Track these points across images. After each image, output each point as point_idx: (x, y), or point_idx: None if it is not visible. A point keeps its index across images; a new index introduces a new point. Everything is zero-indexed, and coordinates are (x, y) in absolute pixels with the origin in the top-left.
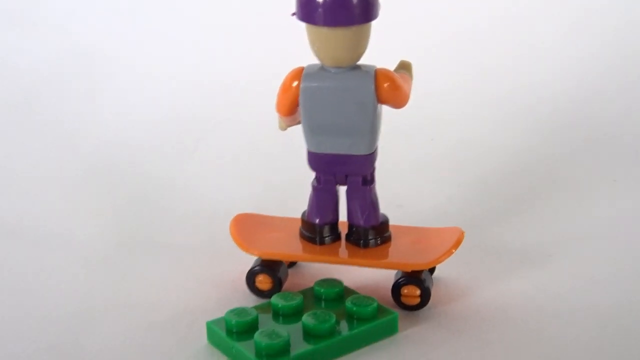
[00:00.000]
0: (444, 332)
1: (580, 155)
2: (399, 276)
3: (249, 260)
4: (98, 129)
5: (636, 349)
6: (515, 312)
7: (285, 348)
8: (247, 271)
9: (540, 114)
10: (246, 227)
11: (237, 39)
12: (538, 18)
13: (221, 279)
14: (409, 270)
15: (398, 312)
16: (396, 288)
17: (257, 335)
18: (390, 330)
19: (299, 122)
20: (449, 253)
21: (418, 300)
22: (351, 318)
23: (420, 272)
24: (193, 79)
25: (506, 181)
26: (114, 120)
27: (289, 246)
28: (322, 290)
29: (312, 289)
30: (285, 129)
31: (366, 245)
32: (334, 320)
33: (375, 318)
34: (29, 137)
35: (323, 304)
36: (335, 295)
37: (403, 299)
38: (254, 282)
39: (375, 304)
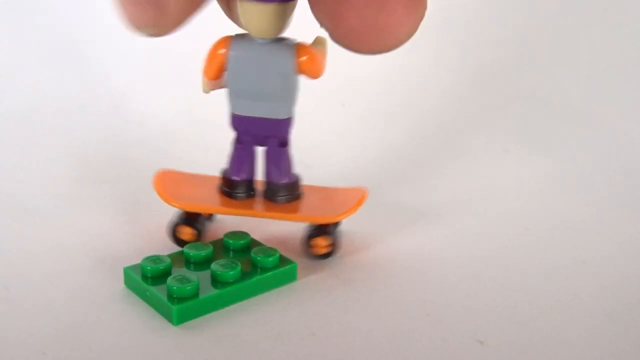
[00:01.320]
0: (339, 280)
1: (477, 125)
2: (311, 229)
3: (168, 213)
4: None
5: (502, 288)
6: (406, 262)
7: (194, 292)
8: (168, 223)
9: (443, 84)
10: (169, 182)
11: None
12: None
13: (140, 230)
14: (318, 222)
15: (299, 261)
16: (308, 239)
17: (169, 280)
18: (290, 277)
19: (222, 87)
20: (353, 209)
21: (328, 249)
22: (255, 267)
23: (328, 225)
24: None
25: (408, 147)
26: None
27: (208, 200)
28: (230, 241)
29: (221, 240)
30: (208, 92)
31: (279, 200)
32: (239, 268)
33: (277, 267)
34: None
35: (231, 254)
36: (242, 246)
37: (314, 250)
38: (175, 232)
39: (277, 254)
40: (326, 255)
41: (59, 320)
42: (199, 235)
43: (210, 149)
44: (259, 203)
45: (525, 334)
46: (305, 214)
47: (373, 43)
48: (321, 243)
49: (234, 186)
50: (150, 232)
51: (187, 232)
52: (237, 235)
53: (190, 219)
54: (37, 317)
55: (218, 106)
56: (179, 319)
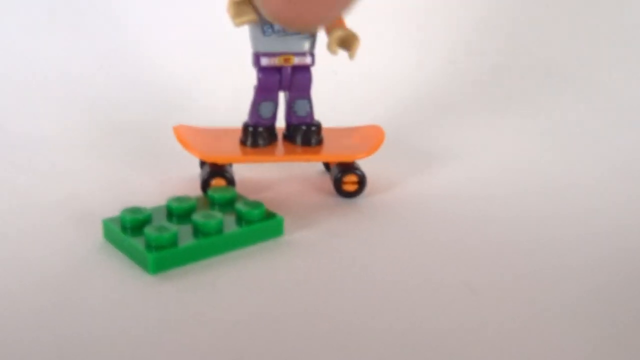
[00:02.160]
0: (327, 235)
1: (494, 74)
2: (339, 169)
3: (150, 170)
4: None
5: (516, 225)
6: (401, 209)
7: (173, 241)
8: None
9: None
10: (187, 135)
11: None
12: None
13: (125, 183)
14: (348, 160)
15: (288, 218)
16: (339, 178)
17: (147, 228)
18: (276, 232)
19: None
20: (376, 146)
21: (357, 186)
22: (240, 219)
23: (353, 163)
24: None
25: (423, 95)
26: None
27: (231, 150)
28: (215, 195)
29: (206, 194)
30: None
31: (308, 143)
32: (220, 218)
33: (262, 220)
34: None
35: (216, 207)
36: (227, 200)
37: (347, 187)
38: (208, 185)
39: (262, 207)
40: (357, 192)
41: (35, 274)
42: (231, 184)
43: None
44: (281, 147)
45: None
46: (333, 153)
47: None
48: (352, 179)
49: (258, 133)
50: (135, 186)
51: (220, 183)
52: (222, 189)
53: (220, 170)
54: (11, 273)
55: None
56: (156, 268)
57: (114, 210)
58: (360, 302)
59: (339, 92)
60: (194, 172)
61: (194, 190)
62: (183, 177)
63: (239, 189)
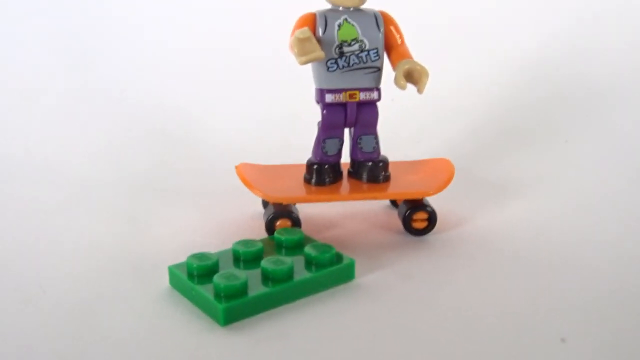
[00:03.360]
0: (399, 278)
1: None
2: (407, 206)
3: (211, 210)
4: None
5: (593, 259)
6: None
7: (243, 289)
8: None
9: (505, 73)
10: (249, 174)
11: None
12: None
13: (186, 226)
14: (417, 197)
15: (356, 259)
16: (408, 215)
17: (216, 277)
18: (347, 276)
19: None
20: (447, 182)
21: (427, 223)
22: (309, 264)
23: (421, 199)
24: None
25: (485, 125)
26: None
27: (296, 190)
28: (282, 238)
29: (272, 237)
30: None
31: (375, 180)
32: (291, 264)
33: (333, 264)
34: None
35: (283, 251)
36: (295, 243)
37: (416, 224)
38: (273, 226)
39: (333, 251)
40: (427, 230)
41: (99, 323)
42: (297, 224)
43: None
44: (346, 185)
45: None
46: (401, 191)
47: None
48: (422, 216)
49: (324, 171)
50: (195, 229)
51: (285, 224)
52: (289, 231)
53: (285, 210)
54: (74, 320)
55: None
56: (226, 319)
57: (176, 253)
58: (440, 350)
59: (397, 121)
60: (256, 211)
61: (257, 230)
62: (244, 217)
63: (303, 226)
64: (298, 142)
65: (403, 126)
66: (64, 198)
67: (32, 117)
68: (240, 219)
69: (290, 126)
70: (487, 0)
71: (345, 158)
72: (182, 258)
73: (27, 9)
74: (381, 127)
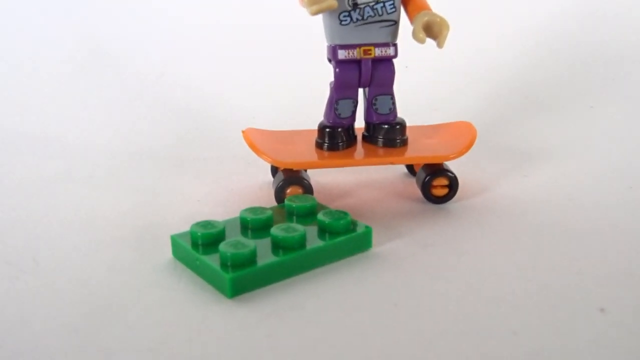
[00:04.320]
0: (419, 246)
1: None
2: (427, 171)
3: (219, 179)
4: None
5: (626, 225)
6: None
7: (251, 258)
8: (275, 186)
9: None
10: (257, 139)
11: None
12: None
13: (192, 196)
14: (437, 162)
15: (373, 226)
16: (428, 181)
17: (222, 245)
18: (364, 244)
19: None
20: (469, 146)
21: (447, 190)
22: (323, 231)
23: (441, 165)
24: None
25: (508, 92)
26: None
27: (307, 155)
28: (293, 205)
29: (283, 205)
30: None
31: (392, 144)
32: (303, 231)
33: (348, 231)
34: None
35: (295, 219)
36: (307, 210)
37: (437, 190)
38: (284, 194)
39: (348, 218)
40: (448, 197)
41: (96, 296)
42: (309, 192)
43: None
44: (360, 150)
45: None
46: (420, 154)
47: None
48: (442, 182)
49: (339, 133)
50: (201, 199)
51: (296, 192)
52: (301, 198)
53: (295, 176)
54: (75, 292)
55: None
56: (234, 290)
57: (180, 223)
58: (460, 319)
59: (412, 88)
60: (265, 179)
61: (267, 199)
62: (253, 187)
63: (315, 195)
64: (309, 106)
65: (419, 93)
66: (67, 168)
67: (35, 89)
68: (248, 188)
69: (301, 89)
70: None
71: (360, 122)
72: (186, 228)
73: None
74: (397, 95)
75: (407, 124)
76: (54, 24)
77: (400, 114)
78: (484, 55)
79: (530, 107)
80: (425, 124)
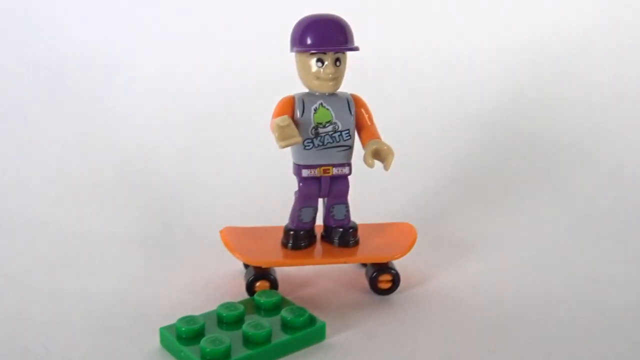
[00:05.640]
0: (365, 338)
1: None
2: (374, 268)
3: (198, 268)
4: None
5: (552, 320)
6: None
7: (226, 353)
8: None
9: (480, 126)
10: (232, 237)
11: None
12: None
13: (175, 287)
14: (383, 262)
15: (327, 319)
16: (375, 277)
17: (203, 341)
18: (318, 337)
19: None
20: (409, 247)
21: (391, 284)
22: (285, 327)
23: (387, 262)
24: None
25: (447, 185)
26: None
27: (274, 254)
28: (261, 300)
29: (252, 299)
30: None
31: (345, 244)
32: (269, 328)
33: (306, 327)
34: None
35: (262, 312)
36: (272, 305)
37: (382, 285)
38: (253, 287)
39: (306, 314)
40: (391, 290)
41: None
42: (275, 285)
43: None
44: (320, 250)
45: None
46: (369, 255)
47: None
48: (387, 278)
49: (300, 236)
50: (184, 288)
51: (264, 285)
52: (267, 294)
53: (264, 272)
54: None
55: None
56: None
57: (164, 312)
58: None
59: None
60: (238, 268)
61: (239, 289)
62: (228, 276)
63: (281, 284)
64: (277, 206)
65: (369, 188)
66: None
67: (28, 170)
68: (224, 278)
69: (271, 193)
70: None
71: (319, 220)
72: (173, 315)
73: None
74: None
75: (359, 222)
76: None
77: (356, 204)
78: (427, 146)
79: (468, 198)
80: (378, 214)
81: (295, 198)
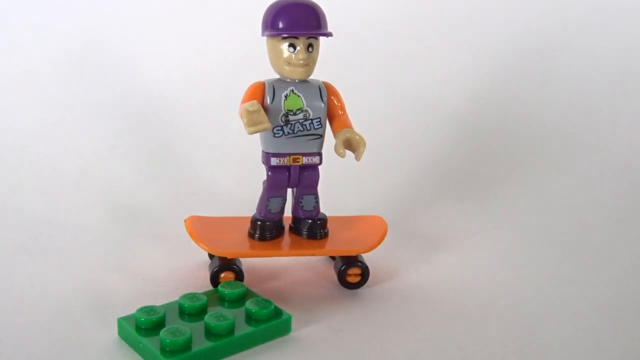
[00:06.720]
0: (332, 332)
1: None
2: (343, 261)
3: (162, 259)
4: None
5: (522, 315)
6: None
7: (187, 345)
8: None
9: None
10: (197, 227)
11: None
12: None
13: (137, 277)
14: (352, 254)
15: (293, 312)
16: (343, 270)
17: (162, 332)
18: (284, 330)
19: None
20: (379, 241)
21: (360, 278)
22: (249, 318)
23: (355, 255)
24: None
25: (419, 180)
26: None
27: (240, 244)
28: (225, 292)
29: (216, 290)
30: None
31: (319, 236)
32: (232, 320)
33: (271, 319)
34: None
35: (226, 304)
36: (237, 296)
37: (350, 278)
38: (218, 278)
39: (272, 306)
40: (360, 284)
41: None
42: (240, 277)
43: None
44: (287, 241)
45: None
46: (338, 248)
47: None
48: (355, 272)
49: (265, 228)
50: (146, 277)
51: (229, 277)
52: (232, 285)
53: (229, 263)
54: None
55: None
56: None
57: (125, 302)
58: None
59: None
60: (203, 259)
61: (204, 280)
62: (192, 265)
63: (246, 276)
64: (245, 197)
65: (340, 179)
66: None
67: None
68: (187, 267)
69: (239, 183)
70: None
71: (287, 212)
72: (134, 306)
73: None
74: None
75: (329, 214)
76: None
77: (326, 196)
78: (400, 139)
79: (439, 194)
80: (348, 207)
81: (264, 187)
